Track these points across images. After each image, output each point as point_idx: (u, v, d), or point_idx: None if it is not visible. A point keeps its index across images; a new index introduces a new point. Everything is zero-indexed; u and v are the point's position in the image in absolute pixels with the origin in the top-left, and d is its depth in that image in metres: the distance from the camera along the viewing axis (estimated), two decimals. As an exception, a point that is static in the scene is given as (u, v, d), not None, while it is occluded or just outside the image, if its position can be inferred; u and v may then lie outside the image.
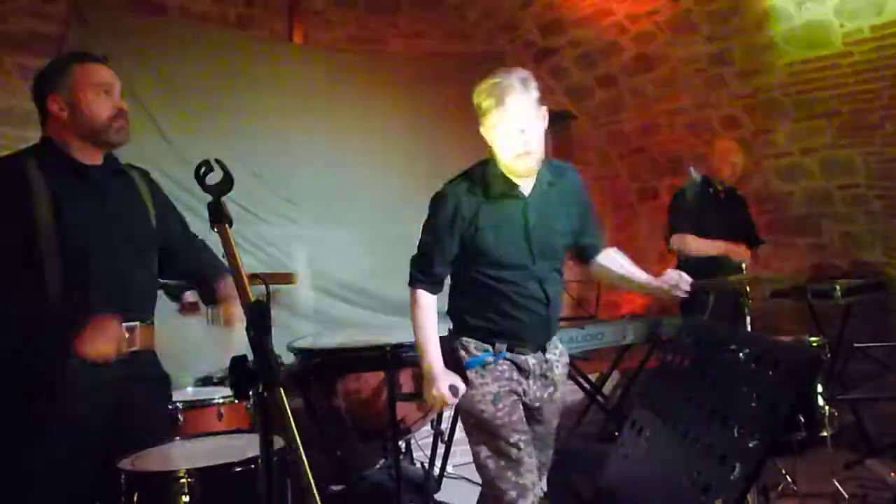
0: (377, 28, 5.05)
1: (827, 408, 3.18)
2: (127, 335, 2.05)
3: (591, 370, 4.63)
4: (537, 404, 2.41)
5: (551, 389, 2.44)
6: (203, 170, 1.41)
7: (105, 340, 1.89)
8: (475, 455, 2.38)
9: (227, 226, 1.37)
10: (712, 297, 3.87)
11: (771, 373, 1.50)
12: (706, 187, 4.04)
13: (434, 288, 2.38)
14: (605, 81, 5.24)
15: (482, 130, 2.30)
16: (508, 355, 2.36)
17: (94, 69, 2.08)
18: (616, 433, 3.59)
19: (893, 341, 4.23)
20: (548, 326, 2.41)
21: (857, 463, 3.86)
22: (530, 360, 2.38)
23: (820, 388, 3.23)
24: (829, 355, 3.58)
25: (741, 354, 1.64)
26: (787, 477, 3.42)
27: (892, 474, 3.62)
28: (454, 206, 2.29)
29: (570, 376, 4.36)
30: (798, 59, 3.95)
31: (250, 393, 1.16)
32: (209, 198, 1.44)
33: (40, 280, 1.95)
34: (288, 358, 3.45)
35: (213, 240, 1.58)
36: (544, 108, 2.29)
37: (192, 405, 2.97)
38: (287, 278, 4.25)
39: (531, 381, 2.39)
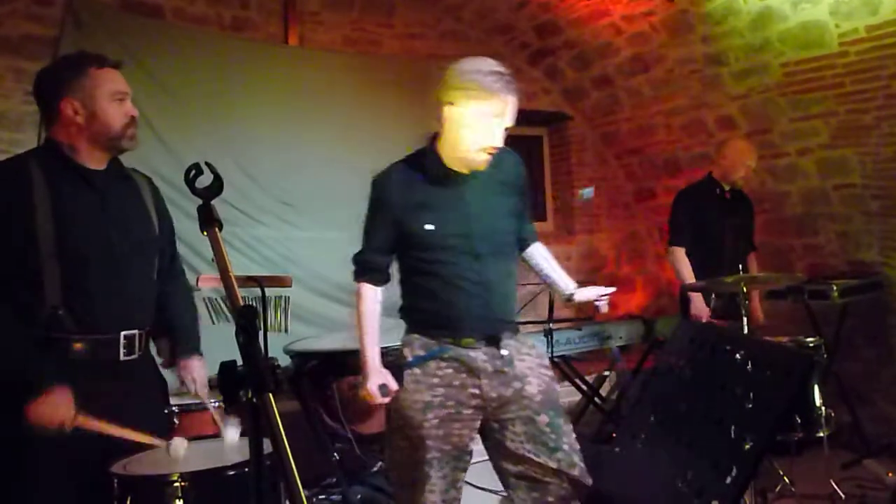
0: (372, 30, 5.04)
1: (824, 408, 3.18)
2: (124, 341, 2.05)
3: (589, 371, 4.63)
4: (495, 405, 2.22)
5: (518, 385, 2.22)
6: (193, 173, 1.40)
7: (52, 413, 1.87)
8: (388, 456, 2.30)
9: (216, 229, 1.36)
10: (713, 299, 3.88)
11: (766, 374, 1.50)
12: (712, 188, 4.01)
13: (373, 278, 2.30)
14: (601, 82, 5.23)
15: (448, 108, 2.17)
16: (453, 352, 2.21)
17: (112, 76, 2.06)
18: (613, 435, 3.59)
19: (891, 341, 4.24)
20: (492, 314, 2.24)
21: (855, 463, 3.86)
22: (480, 356, 2.21)
23: (817, 389, 3.22)
24: (825, 355, 3.58)
25: (737, 356, 1.64)
26: (785, 478, 3.41)
27: (890, 474, 3.63)
28: (385, 191, 2.26)
29: (567, 377, 4.37)
30: (793, 60, 3.95)
31: (241, 398, 1.15)
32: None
33: (38, 284, 1.94)
34: (284, 361, 3.45)
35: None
36: None
37: (188, 409, 2.96)
38: (283, 281, 4.23)
39: (484, 381, 2.20)
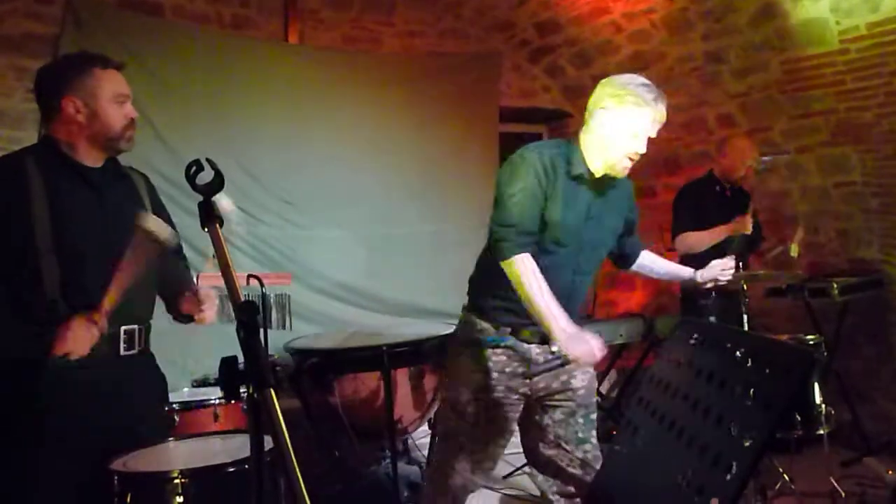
0: (372, 28, 5.03)
1: (824, 406, 3.18)
2: (125, 336, 2.06)
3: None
4: (542, 393, 2.35)
5: (565, 378, 2.36)
6: (193, 169, 1.40)
7: (74, 339, 1.89)
8: (438, 427, 2.45)
9: (217, 226, 1.36)
10: (717, 298, 3.85)
11: (766, 371, 1.49)
12: (712, 185, 4.00)
13: (529, 250, 2.21)
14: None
15: (600, 113, 2.26)
16: (511, 341, 2.29)
17: (115, 78, 2.08)
18: (613, 432, 3.59)
19: (891, 339, 4.24)
20: None
21: (855, 461, 3.87)
22: (534, 349, 2.31)
23: (817, 387, 3.22)
24: (826, 353, 3.57)
25: (737, 353, 1.63)
26: (785, 475, 3.41)
27: (890, 472, 3.63)
28: (543, 170, 2.23)
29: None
30: (794, 57, 3.95)
31: (242, 393, 1.15)
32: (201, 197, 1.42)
33: (37, 281, 1.94)
34: (285, 358, 3.45)
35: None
36: None
37: (188, 406, 2.96)
38: (283, 279, 4.24)
39: (534, 371, 2.32)
